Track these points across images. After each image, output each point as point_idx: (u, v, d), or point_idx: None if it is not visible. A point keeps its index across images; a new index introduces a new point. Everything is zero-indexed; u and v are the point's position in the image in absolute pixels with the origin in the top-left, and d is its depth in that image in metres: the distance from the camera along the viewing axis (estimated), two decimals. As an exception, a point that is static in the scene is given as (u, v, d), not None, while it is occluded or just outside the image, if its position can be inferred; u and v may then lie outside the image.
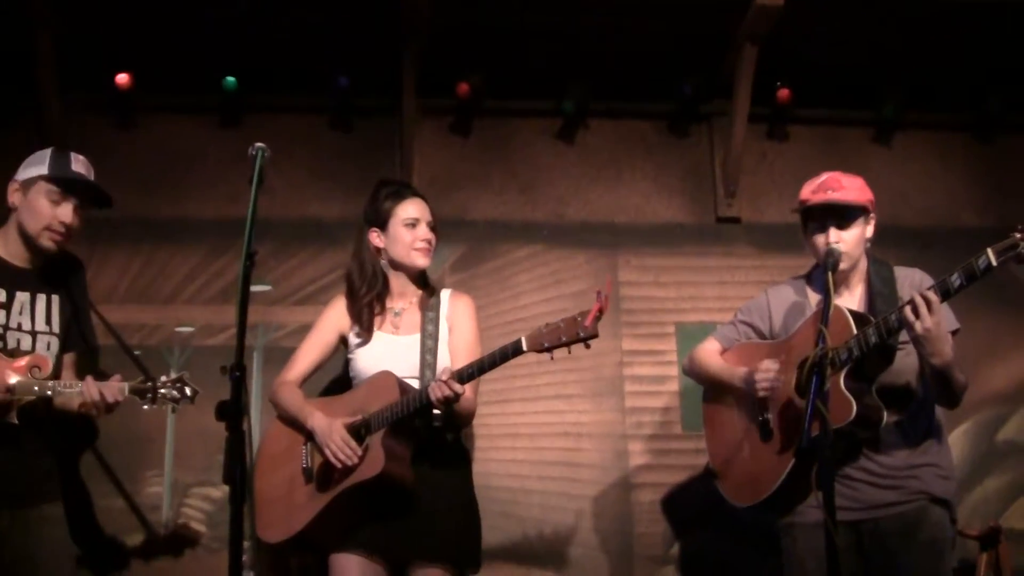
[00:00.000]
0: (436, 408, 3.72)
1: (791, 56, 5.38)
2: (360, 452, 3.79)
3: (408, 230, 4.06)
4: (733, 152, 5.49)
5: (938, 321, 3.38)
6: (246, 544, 3.94)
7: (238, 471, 2.97)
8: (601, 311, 3.49)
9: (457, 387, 3.66)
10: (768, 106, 5.55)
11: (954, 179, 5.79)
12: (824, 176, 3.89)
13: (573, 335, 3.53)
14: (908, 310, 3.39)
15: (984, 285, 3.44)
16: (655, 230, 5.52)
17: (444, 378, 3.66)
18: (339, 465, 3.80)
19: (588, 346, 3.56)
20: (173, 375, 3.90)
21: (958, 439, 5.12)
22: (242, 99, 5.29)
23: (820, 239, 3.82)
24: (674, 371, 5.27)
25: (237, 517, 2.96)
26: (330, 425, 3.86)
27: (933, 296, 3.37)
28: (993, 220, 5.65)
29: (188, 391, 3.89)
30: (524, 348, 3.63)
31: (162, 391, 3.85)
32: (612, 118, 5.65)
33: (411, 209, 4.09)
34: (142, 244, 5.21)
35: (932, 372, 3.55)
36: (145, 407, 3.84)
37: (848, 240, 3.79)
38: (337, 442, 3.80)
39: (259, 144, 3.28)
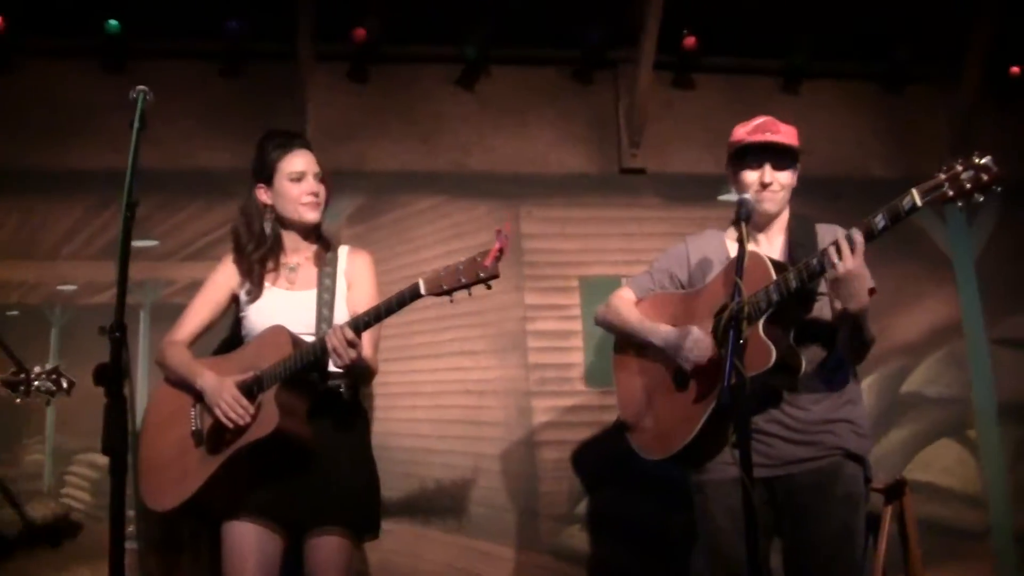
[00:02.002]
0: (332, 359, 3.55)
1: (698, 2, 5.29)
2: (252, 410, 3.63)
3: (294, 184, 3.89)
4: (638, 101, 5.40)
5: (861, 263, 3.33)
6: (130, 514, 3.78)
7: (118, 439, 2.80)
8: (502, 250, 3.36)
9: (350, 333, 3.50)
10: (674, 54, 5.46)
11: (863, 129, 5.79)
12: (761, 119, 3.83)
13: (473, 276, 3.39)
14: (832, 249, 3.34)
15: (890, 237, 3.40)
16: (559, 180, 5.43)
17: (339, 331, 3.51)
18: (230, 425, 3.63)
19: (489, 287, 3.42)
20: (48, 366, 3.71)
21: (863, 392, 5.06)
22: (127, 43, 5.07)
23: (752, 176, 3.76)
24: (578, 326, 5.21)
25: (118, 488, 2.79)
26: (220, 383, 3.69)
27: (859, 237, 3.32)
28: (901, 171, 5.67)
29: (64, 383, 3.71)
30: (422, 291, 3.48)
31: (36, 383, 3.67)
32: (515, 64, 5.52)
33: (296, 162, 3.91)
34: (21, 196, 5.00)
35: (846, 318, 3.49)
36: (18, 400, 3.64)
37: (781, 181, 3.77)
38: (228, 400, 3.64)
39: (140, 87, 3.12)
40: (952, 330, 5.58)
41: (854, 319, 3.48)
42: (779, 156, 3.75)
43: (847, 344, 3.64)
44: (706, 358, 3.61)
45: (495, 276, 3.38)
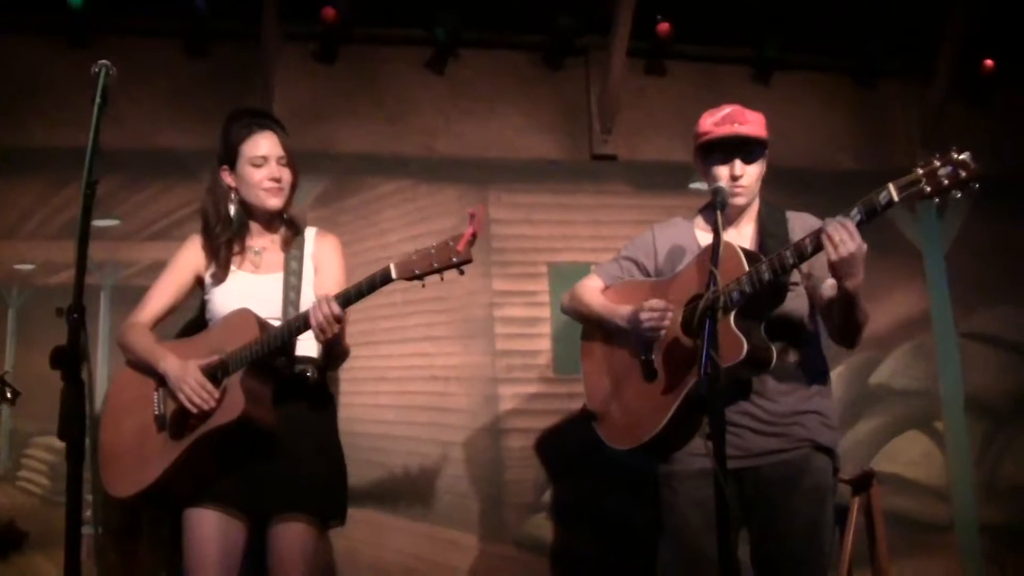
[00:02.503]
0: (315, 334, 3.46)
1: (671, -12, 5.26)
2: (217, 395, 3.55)
3: (256, 170, 3.78)
4: (611, 87, 5.35)
5: (860, 243, 3.26)
6: (88, 499, 3.70)
7: (76, 425, 2.71)
8: (475, 235, 3.30)
9: (336, 308, 3.42)
10: (647, 40, 5.42)
11: (833, 122, 5.78)
12: (727, 108, 3.74)
13: (446, 261, 3.32)
14: (831, 230, 3.25)
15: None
16: (528, 166, 5.38)
17: (325, 304, 3.43)
18: (194, 410, 3.55)
19: (462, 272, 3.36)
20: None
21: (832, 383, 5.11)
22: (91, 19, 4.97)
23: (723, 171, 3.68)
24: (546, 312, 5.18)
25: (75, 475, 2.69)
26: (183, 367, 3.60)
27: (847, 220, 3.26)
28: (872, 164, 5.70)
29: (8, 393, 3.64)
30: (393, 275, 3.40)
31: None
32: (485, 48, 5.47)
33: (259, 145, 3.79)
34: (-23, 174, 4.88)
35: (843, 298, 3.42)
36: None
37: (751, 174, 3.69)
38: (191, 384, 3.55)
39: (103, 61, 3.02)
40: (921, 323, 5.59)
41: (850, 297, 3.41)
42: (748, 148, 3.69)
43: (839, 329, 3.58)
44: (658, 317, 3.55)
45: (468, 261, 3.33)
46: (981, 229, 5.67)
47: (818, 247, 3.32)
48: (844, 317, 3.52)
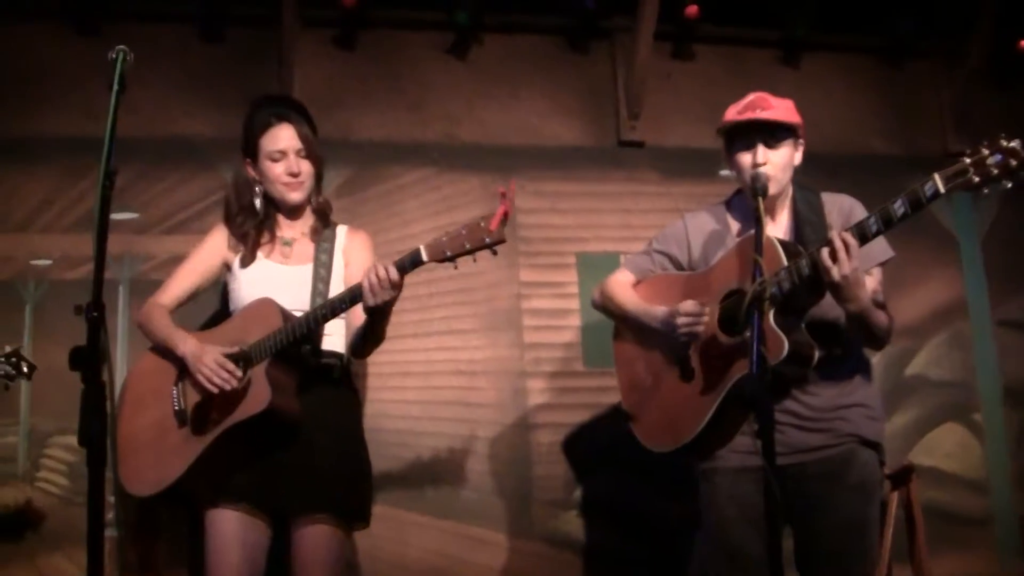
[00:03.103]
0: (367, 297, 3.35)
1: (698, -31, 5.15)
2: (240, 375, 3.46)
3: (275, 164, 3.74)
4: (637, 71, 5.23)
5: (856, 267, 3.20)
6: (110, 499, 3.62)
7: (96, 429, 2.61)
8: (507, 214, 3.22)
9: (394, 272, 3.33)
10: (673, 23, 5.29)
11: (863, 104, 5.65)
12: (751, 96, 3.65)
13: (478, 241, 3.24)
14: (826, 254, 3.20)
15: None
16: (553, 153, 5.27)
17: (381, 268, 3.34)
18: (215, 391, 3.46)
19: (495, 252, 3.27)
20: (7, 348, 3.55)
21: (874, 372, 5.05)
22: (102, 5, 4.86)
23: (746, 158, 3.58)
24: (575, 304, 5.07)
25: (96, 481, 2.60)
26: (201, 348, 3.53)
27: (851, 239, 3.18)
28: (901, 148, 5.59)
29: (24, 367, 3.55)
30: (424, 258, 3.32)
31: None
32: (507, 32, 5.34)
33: (277, 139, 3.75)
34: (-11, 165, 4.79)
35: (849, 317, 3.39)
36: None
37: (777, 161, 3.57)
38: (209, 364, 3.47)
39: (120, 47, 2.93)
40: (956, 311, 5.49)
41: (856, 319, 3.36)
42: (771, 134, 3.58)
43: (858, 336, 3.54)
44: (693, 321, 3.47)
45: (501, 241, 3.25)
46: (1017, 214, 5.54)
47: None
48: (858, 331, 3.48)
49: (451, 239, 3.27)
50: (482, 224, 3.23)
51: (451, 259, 3.28)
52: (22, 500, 4.48)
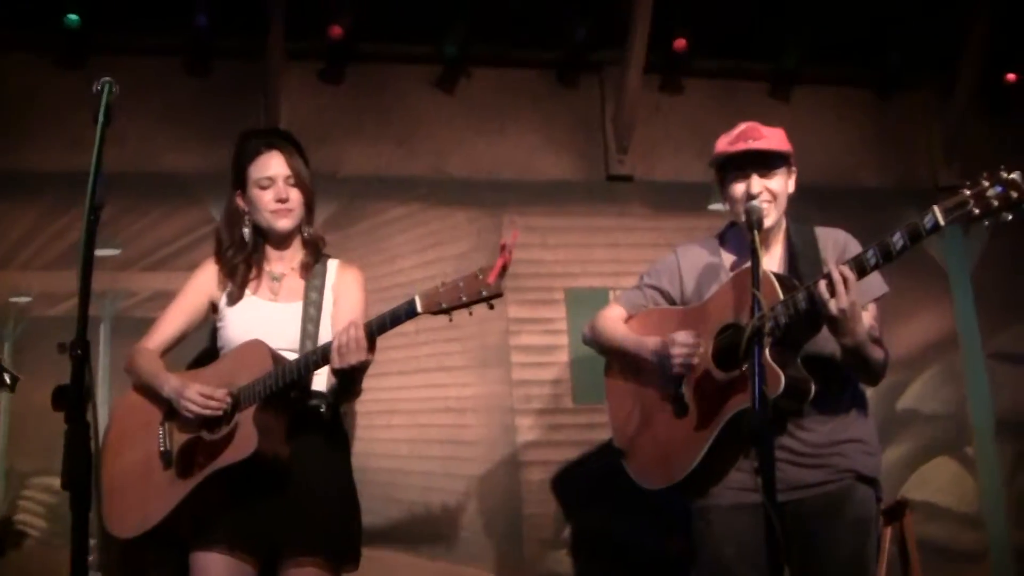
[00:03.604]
0: (336, 358, 3.30)
1: (686, 2, 5.13)
2: (228, 400, 3.39)
3: (263, 192, 3.68)
4: (627, 104, 5.21)
5: (853, 300, 3.17)
6: (92, 542, 3.53)
7: (81, 472, 2.55)
8: (505, 266, 3.15)
9: (362, 335, 3.27)
10: (662, 56, 5.28)
11: (853, 137, 5.65)
12: (742, 126, 3.63)
13: (474, 294, 3.17)
14: (823, 287, 3.17)
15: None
16: (542, 187, 5.24)
17: (352, 328, 3.29)
18: (203, 415, 3.39)
19: (492, 306, 3.22)
20: None
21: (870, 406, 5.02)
22: (86, 38, 4.81)
23: (740, 188, 3.56)
24: (564, 340, 5.04)
25: (80, 525, 2.53)
26: (183, 383, 3.47)
27: (849, 273, 3.16)
28: (892, 180, 5.60)
29: (7, 378, 3.48)
30: (419, 309, 3.25)
31: None
32: (496, 66, 5.33)
33: (266, 166, 3.69)
34: (-32, 199, 4.73)
35: (846, 352, 3.35)
36: None
37: (773, 188, 3.56)
38: (193, 397, 3.40)
39: (105, 78, 2.91)
40: (948, 344, 5.46)
41: (853, 353, 3.33)
42: (764, 163, 3.55)
43: (855, 371, 3.51)
44: (688, 352, 3.44)
45: (498, 295, 3.19)
46: (1006, 245, 5.50)
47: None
48: (854, 367, 3.45)
49: (447, 290, 3.22)
50: (479, 276, 3.17)
51: (446, 311, 3.23)
52: (1, 551, 4.39)
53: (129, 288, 4.75)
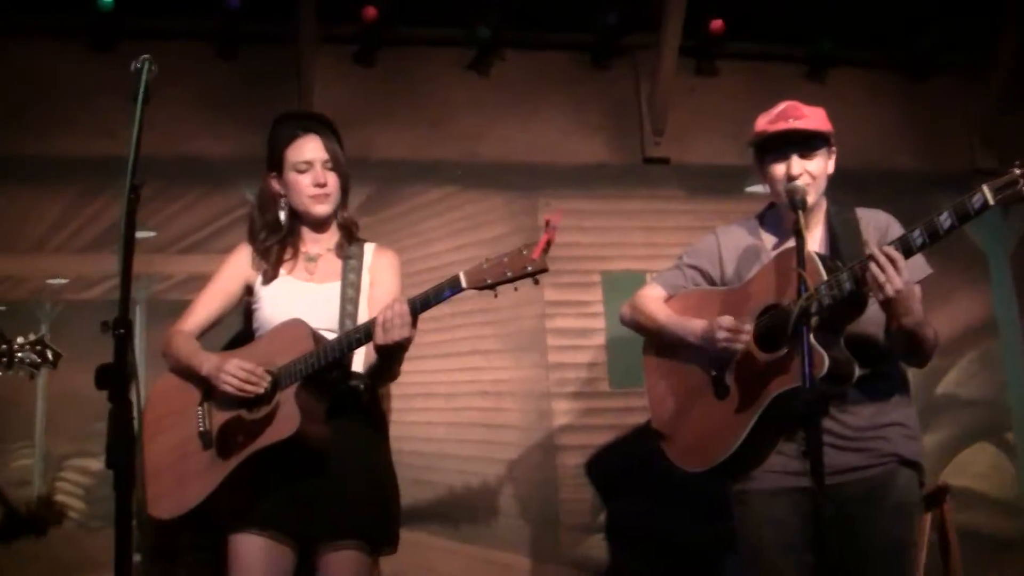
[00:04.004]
0: (380, 334, 3.27)
1: (721, -17, 5.12)
2: (267, 379, 3.36)
3: (301, 175, 3.65)
4: (661, 87, 5.19)
5: (907, 279, 3.11)
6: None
7: (125, 451, 2.51)
8: (550, 242, 3.13)
9: (406, 309, 3.25)
10: (697, 38, 5.25)
11: (889, 121, 5.62)
12: (782, 105, 3.56)
13: (519, 269, 3.15)
14: (875, 270, 3.10)
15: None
16: (576, 171, 5.23)
17: (397, 304, 3.26)
18: (244, 395, 3.36)
19: (537, 281, 3.18)
20: (32, 336, 3.43)
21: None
22: (118, 22, 4.81)
23: (780, 169, 3.49)
24: (600, 323, 5.03)
25: (124, 506, 2.50)
26: (221, 359, 3.43)
27: (896, 254, 3.10)
28: (928, 163, 5.55)
29: (49, 354, 3.47)
30: (463, 284, 3.22)
31: (19, 355, 3.41)
32: (529, 49, 5.32)
33: (303, 151, 3.66)
34: (3, 185, 4.75)
35: (902, 332, 3.28)
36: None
37: (812, 170, 3.48)
38: (232, 371, 3.36)
39: (144, 56, 2.91)
40: (986, 329, 5.42)
41: (912, 333, 3.27)
42: (805, 144, 3.49)
43: (905, 355, 3.46)
44: (739, 346, 3.38)
45: (543, 270, 3.15)
46: (1044, 227, 5.48)
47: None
48: (908, 345, 3.38)
49: (492, 266, 3.19)
50: (524, 252, 3.15)
51: (491, 287, 3.20)
52: (33, 502, 4.42)
53: (164, 271, 4.77)
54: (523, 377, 4.94)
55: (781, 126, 3.49)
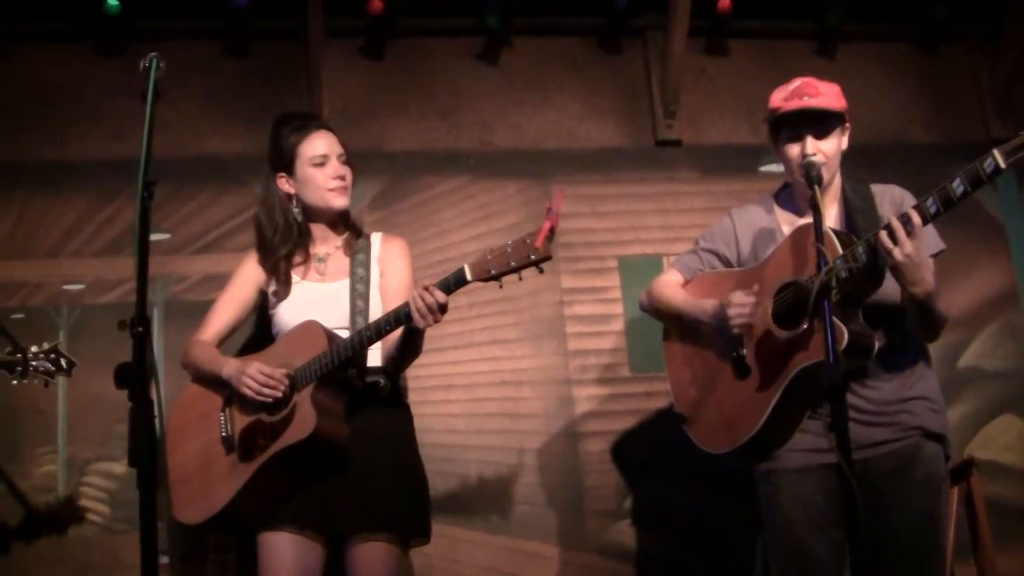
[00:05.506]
0: (416, 319, 3.27)
1: (728, -38, 5.05)
2: (286, 382, 3.39)
3: (318, 170, 3.64)
4: (672, 68, 5.13)
5: (919, 246, 3.10)
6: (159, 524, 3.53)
7: (146, 449, 2.51)
8: (552, 229, 3.11)
9: (441, 295, 3.24)
10: (705, 18, 5.20)
11: (900, 93, 5.55)
12: (797, 81, 3.54)
13: (523, 259, 3.14)
14: (884, 235, 3.09)
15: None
16: (589, 155, 5.19)
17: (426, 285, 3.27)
18: (263, 399, 3.39)
19: (541, 270, 3.18)
20: (46, 345, 3.45)
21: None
22: (126, 25, 4.80)
23: (794, 149, 3.48)
24: (619, 309, 4.98)
25: (148, 503, 2.51)
26: (242, 363, 3.47)
27: (915, 217, 3.08)
28: (942, 136, 5.49)
29: (64, 363, 3.48)
30: (468, 277, 3.24)
31: (33, 363, 3.42)
32: (538, 35, 5.27)
33: (317, 144, 3.66)
34: (16, 191, 4.74)
35: (913, 303, 3.27)
36: (14, 382, 3.39)
37: (826, 150, 3.47)
38: (252, 375, 3.40)
39: (152, 53, 2.90)
40: (1008, 300, 5.35)
41: (921, 303, 3.25)
42: (819, 123, 3.47)
43: (917, 325, 3.43)
44: (746, 312, 3.39)
45: (547, 258, 3.14)
46: (1062, 197, 5.44)
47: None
48: (919, 319, 3.38)
49: (496, 257, 3.19)
50: (527, 241, 3.14)
51: (496, 278, 3.20)
52: (53, 502, 4.41)
53: (180, 272, 4.75)
54: (543, 365, 4.91)
55: (796, 104, 3.47)
